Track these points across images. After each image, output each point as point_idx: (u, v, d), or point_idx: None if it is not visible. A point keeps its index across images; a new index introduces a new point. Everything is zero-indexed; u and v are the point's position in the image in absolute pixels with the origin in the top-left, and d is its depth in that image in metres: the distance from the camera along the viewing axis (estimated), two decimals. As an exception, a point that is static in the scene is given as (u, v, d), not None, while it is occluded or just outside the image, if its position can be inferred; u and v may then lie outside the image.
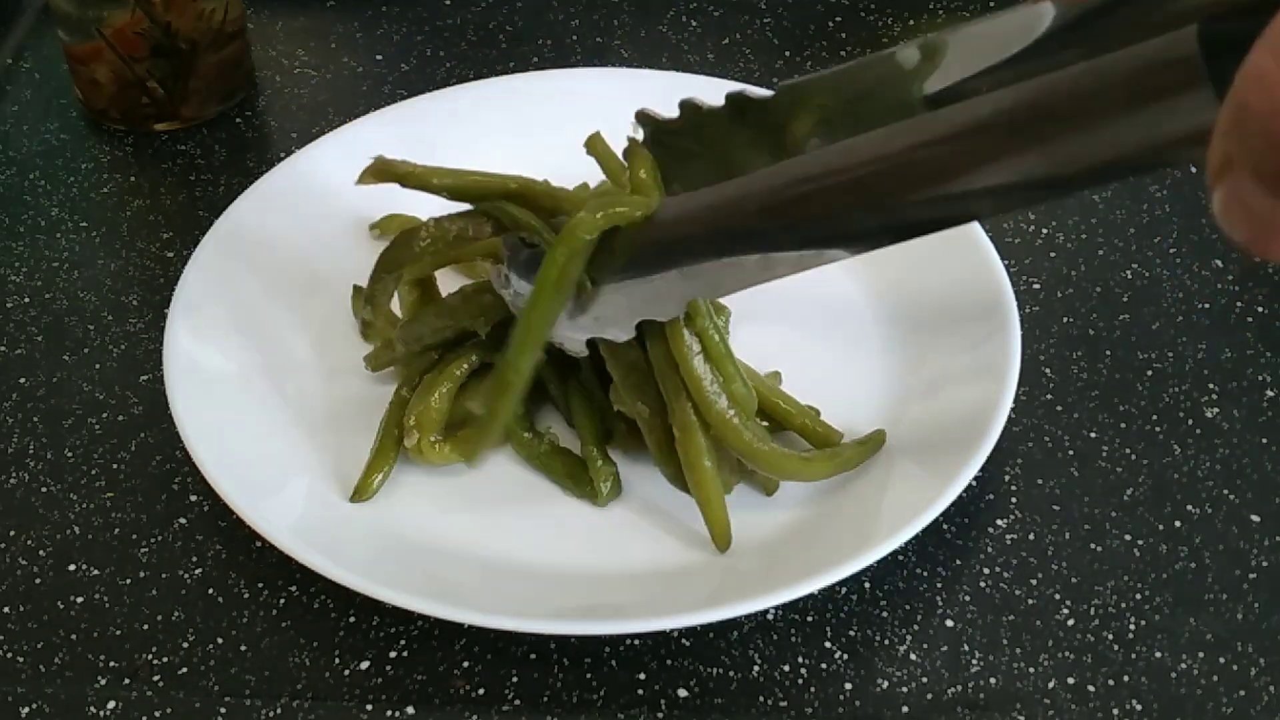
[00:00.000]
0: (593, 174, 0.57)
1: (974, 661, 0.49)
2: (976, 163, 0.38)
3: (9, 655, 0.49)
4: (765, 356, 0.57)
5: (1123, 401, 0.58)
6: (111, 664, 0.49)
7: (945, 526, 0.53)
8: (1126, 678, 0.48)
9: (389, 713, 0.47)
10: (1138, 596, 0.51)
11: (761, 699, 0.48)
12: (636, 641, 0.49)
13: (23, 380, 0.59)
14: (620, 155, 0.53)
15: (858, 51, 0.77)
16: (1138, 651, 0.49)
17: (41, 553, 0.53)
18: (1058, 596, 0.51)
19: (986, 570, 0.52)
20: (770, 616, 0.50)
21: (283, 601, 0.51)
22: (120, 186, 0.69)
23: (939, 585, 0.51)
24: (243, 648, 0.49)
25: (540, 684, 0.48)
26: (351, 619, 0.50)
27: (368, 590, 0.48)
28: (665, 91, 0.61)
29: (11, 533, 0.53)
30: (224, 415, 0.54)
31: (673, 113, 0.51)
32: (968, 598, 0.51)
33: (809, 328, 0.60)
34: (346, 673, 0.48)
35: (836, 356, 0.59)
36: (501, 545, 0.52)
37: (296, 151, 0.65)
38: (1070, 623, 0.50)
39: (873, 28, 0.79)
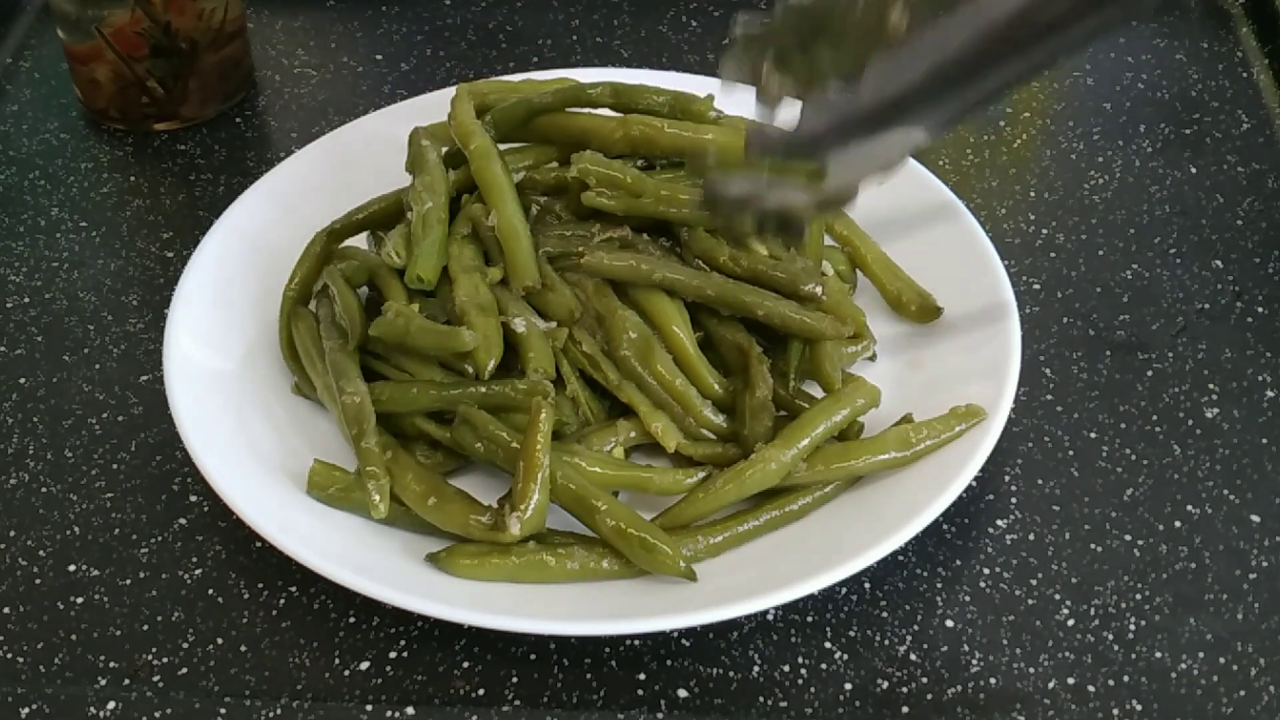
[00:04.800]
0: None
1: (974, 662, 0.49)
2: None
3: (9, 656, 0.49)
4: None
5: (1123, 402, 0.58)
6: (111, 664, 0.49)
7: (945, 527, 0.53)
8: (1127, 678, 0.48)
9: (389, 713, 0.47)
10: (1138, 597, 0.51)
11: (761, 699, 0.48)
12: (636, 642, 0.49)
13: (23, 380, 0.59)
14: None
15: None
16: (1138, 652, 0.49)
17: (41, 553, 0.53)
18: (1058, 597, 0.51)
19: (986, 570, 0.52)
20: (770, 617, 0.50)
21: (283, 602, 0.51)
22: (120, 186, 0.69)
23: (939, 585, 0.51)
24: (243, 648, 0.49)
25: (540, 684, 0.48)
26: (351, 619, 0.50)
27: (368, 590, 0.48)
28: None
29: (11, 533, 0.53)
30: (224, 415, 0.54)
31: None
32: (968, 598, 0.51)
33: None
34: (346, 673, 0.48)
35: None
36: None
37: (296, 151, 0.65)
38: (1070, 623, 0.50)
39: (872, 27, 0.79)
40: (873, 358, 0.57)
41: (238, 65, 0.72)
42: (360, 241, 0.60)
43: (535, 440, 0.49)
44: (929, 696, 0.48)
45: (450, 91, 0.67)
